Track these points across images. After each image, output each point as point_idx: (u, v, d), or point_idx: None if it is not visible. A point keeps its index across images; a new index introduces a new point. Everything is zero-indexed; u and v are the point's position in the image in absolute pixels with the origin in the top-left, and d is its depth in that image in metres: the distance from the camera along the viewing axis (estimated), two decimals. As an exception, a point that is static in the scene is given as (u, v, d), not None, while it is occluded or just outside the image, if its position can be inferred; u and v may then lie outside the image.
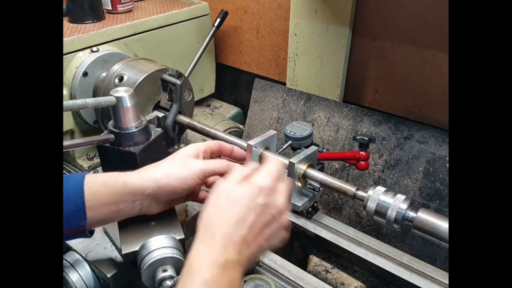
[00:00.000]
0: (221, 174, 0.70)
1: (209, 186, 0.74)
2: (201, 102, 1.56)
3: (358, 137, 0.89)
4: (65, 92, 1.07)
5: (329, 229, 0.89)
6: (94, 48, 1.09)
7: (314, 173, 0.76)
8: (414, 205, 0.67)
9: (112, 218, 0.66)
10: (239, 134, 1.46)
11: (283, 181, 0.63)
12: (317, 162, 0.83)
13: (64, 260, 0.77)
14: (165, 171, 0.66)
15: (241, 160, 0.78)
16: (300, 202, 0.78)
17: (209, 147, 0.73)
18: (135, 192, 0.64)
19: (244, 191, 0.58)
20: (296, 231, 0.94)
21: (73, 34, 1.07)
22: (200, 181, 0.68)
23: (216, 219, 0.57)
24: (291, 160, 0.75)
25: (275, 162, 0.64)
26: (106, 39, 1.12)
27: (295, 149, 0.89)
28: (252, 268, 0.77)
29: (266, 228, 0.59)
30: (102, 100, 0.77)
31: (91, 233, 0.67)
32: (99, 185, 0.63)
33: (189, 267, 0.53)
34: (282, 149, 0.87)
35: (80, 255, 0.77)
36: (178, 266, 0.64)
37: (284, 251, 0.99)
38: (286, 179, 0.65)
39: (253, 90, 1.45)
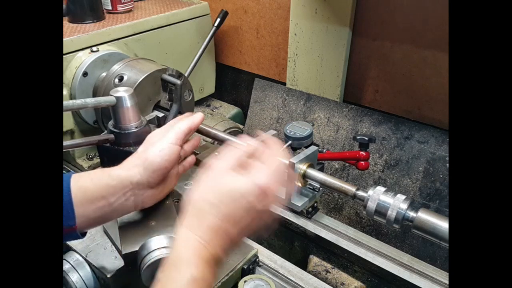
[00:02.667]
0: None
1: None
2: (201, 102, 1.56)
3: (358, 137, 0.89)
4: (65, 92, 1.07)
5: (329, 229, 0.89)
6: (94, 48, 1.09)
7: (314, 173, 0.76)
8: (414, 205, 0.67)
9: (104, 216, 0.64)
10: (239, 134, 1.46)
11: (281, 182, 0.60)
12: (317, 162, 0.83)
13: (64, 261, 0.76)
14: (142, 155, 0.67)
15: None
16: (300, 202, 0.78)
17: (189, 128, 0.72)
18: (122, 182, 0.63)
19: (241, 186, 0.55)
20: (296, 231, 0.94)
21: (73, 34, 1.07)
22: (177, 146, 0.68)
23: (208, 207, 0.55)
24: (291, 160, 0.75)
25: (279, 162, 0.60)
26: (106, 39, 1.12)
27: (295, 149, 0.89)
28: (252, 268, 0.77)
29: (249, 227, 0.57)
30: (102, 100, 0.77)
31: (83, 234, 0.66)
32: (86, 181, 0.63)
33: (177, 255, 0.52)
34: (282, 149, 0.87)
35: (80, 255, 0.77)
36: (178, 266, 0.64)
37: (284, 251, 0.99)
38: (286, 176, 0.63)
39: (253, 90, 1.45)
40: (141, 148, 0.69)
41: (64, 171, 1.13)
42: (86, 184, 0.62)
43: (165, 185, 0.70)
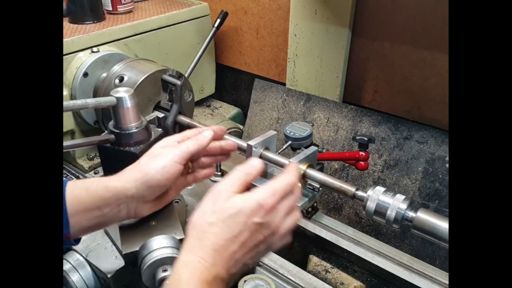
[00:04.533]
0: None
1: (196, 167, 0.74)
2: (201, 103, 1.56)
3: (357, 137, 0.89)
4: (65, 92, 1.07)
5: (329, 229, 0.90)
6: (95, 49, 1.09)
7: (313, 173, 0.77)
8: (413, 205, 0.67)
9: (97, 224, 0.64)
10: (239, 134, 1.46)
11: (287, 199, 0.59)
12: (316, 162, 0.83)
13: (64, 261, 0.77)
14: (143, 168, 0.65)
15: (233, 150, 0.77)
16: (299, 202, 0.79)
17: (186, 137, 0.71)
18: (117, 195, 0.63)
19: (243, 205, 0.55)
20: (296, 231, 0.94)
21: (73, 35, 1.07)
22: (180, 165, 0.66)
23: (210, 229, 0.54)
24: (291, 160, 0.75)
25: (286, 178, 0.60)
26: (107, 40, 1.12)
27: (295, 149, 0.89)
28: (252, 268, 0.78)
29: (256, 248, 0.57)
30: (102, 100, 0.78)
31: (76, 241, 0.66)
32: (81, 190, 0.62)
33: (177, 278, 0.52)
34: (282, 149, 0.87)
35: (81, 255, 0.77)
36: (179, 266, 0.64)
37: (284, 251, 0.99)
38: (296, 193, 0.61)
39: (253, 91, 1.45)
40: (144, 159, 0.67)
41: (64, 172, 1.13)
42: (82, 194, 0.62)
43: (162, 199, 0.70)
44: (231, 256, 0.54)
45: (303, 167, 0.77)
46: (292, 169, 0.63)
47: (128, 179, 0.64)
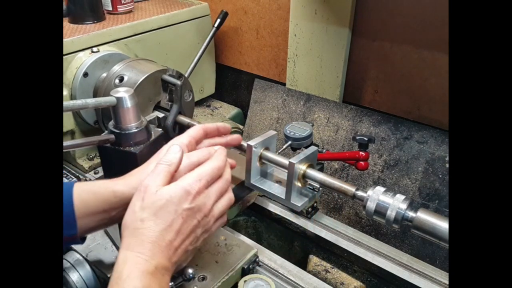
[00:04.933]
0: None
1: None
2: (201, 103, 1.56)
3: (357, 137, 0.89)
4: (65, 92, 1.07)
5: (329, 229, 0.90)
6: (95, 49, 1.09)
7: (313, 173, 0.77)
8: (413, 205, 0.67)
9: (105, 224, 0.66)
10: (239, 134, 1.46)
11: (217, 183, 0.61)
12: (316, 162, 0.83)
13: (64, 260, 0.77)
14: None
15: (227, 133, 0.79)
16: (299, 202, 0.79)
17: (193, 138, 0.71)
18: (124, 200, 0.63)
19: (170, 195, 0.56)
20: (296, 231, 0.94)
21: (73, 35, 1.07)
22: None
23: (143, 224, 0.55)
24: (291, 160, 0.75)
25: (212, 163, 0.61)
26: (107, 40, 1.12)
27: (295, 149, 0.89)
28: (252, 268, 0.78)
29: (192, 233, 0.58)
30: (102, 100, 0.77)
31: (83, 239, 0.67)
32: (89, 195, 0.63)
33: (117, 275, 0.52)
34: (282, 149, 0.87)
35: (81, 255, 0.77)
36: (178, 265, 0.64)
37: (284, 251, 0.99)
38: (226, 176, 0.63)
39: (253, 91, 1.45)
40: (153, 160, 0.67)
41: (64, 172, 1.14)
42: (89, 199, 0.63)
43: None
44: (169, 245, 0.56)
45: (303, 167, 0.77)
46: (218, 154, 0.64)
47: (134, 184, 0.64)
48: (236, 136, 0.81)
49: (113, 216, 0.64)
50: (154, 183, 0.58)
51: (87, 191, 0.63)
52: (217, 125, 0.77)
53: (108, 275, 0.74)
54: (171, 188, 0.57)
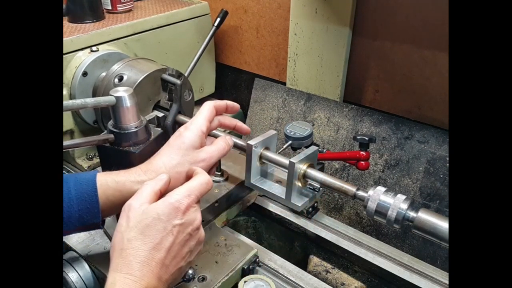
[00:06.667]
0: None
1: None
2: (201, 102, 1.55)
3: (358, 137, 0.89)
4: (64, 92, 1.07)
5: (329, 229, 0.89)
6: (94, 48, 1.09)
7: (314, 173, 0.76)
8: (414, 205, 0.66)
9: None
10: (239, 134, 1.46)
11: (201, 194, 0.61)
12: (317, 162, 0.82)
13: (64, 260, 0.76)
14: (169, 165, 0.67)
15: (234, 112, 0.83)
16: (300, 202, 0.78)
17: (208, 120, 0.74)
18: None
19: (158, 212, 0.56)
20: (296, 231, 0.94)
21: (72, 34, 1.07)
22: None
23: (130, 244, 0.54)
24: (291, 160, 0.75)
25: (200, 178, 0.62)
26: (106, 39, 1.12)
27: (295, 149, 0.89)
28: (252, 268, 0.77)
29: (184, 247, 0.58)
30: (101, 100, 0.77)
31: (103, 223, 0.68)
32: (114, 192, 0.64)
33: None
34: (282, 149, 0.87)
35: (80, 255, 0.77)
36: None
37: (284, 251, 0.99)
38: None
39: (253, 90, 1.45)
40: (168, 149, 0.70)
41: (64, 172, 1.13)
42: (115, 195, 0.64)
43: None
44: (160, 264, 0.54)
45: (304, 167, 0.77)
46: (201, 171, 0.65)
47: (153, 174, 0.65)
48: (246, 126, 0.83)
49: None
50: (138, 201, 0.58)
51: (109, 183, 0.64)
52: (226, 102, 0.80)
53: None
54: (159, 205, 0.57)
